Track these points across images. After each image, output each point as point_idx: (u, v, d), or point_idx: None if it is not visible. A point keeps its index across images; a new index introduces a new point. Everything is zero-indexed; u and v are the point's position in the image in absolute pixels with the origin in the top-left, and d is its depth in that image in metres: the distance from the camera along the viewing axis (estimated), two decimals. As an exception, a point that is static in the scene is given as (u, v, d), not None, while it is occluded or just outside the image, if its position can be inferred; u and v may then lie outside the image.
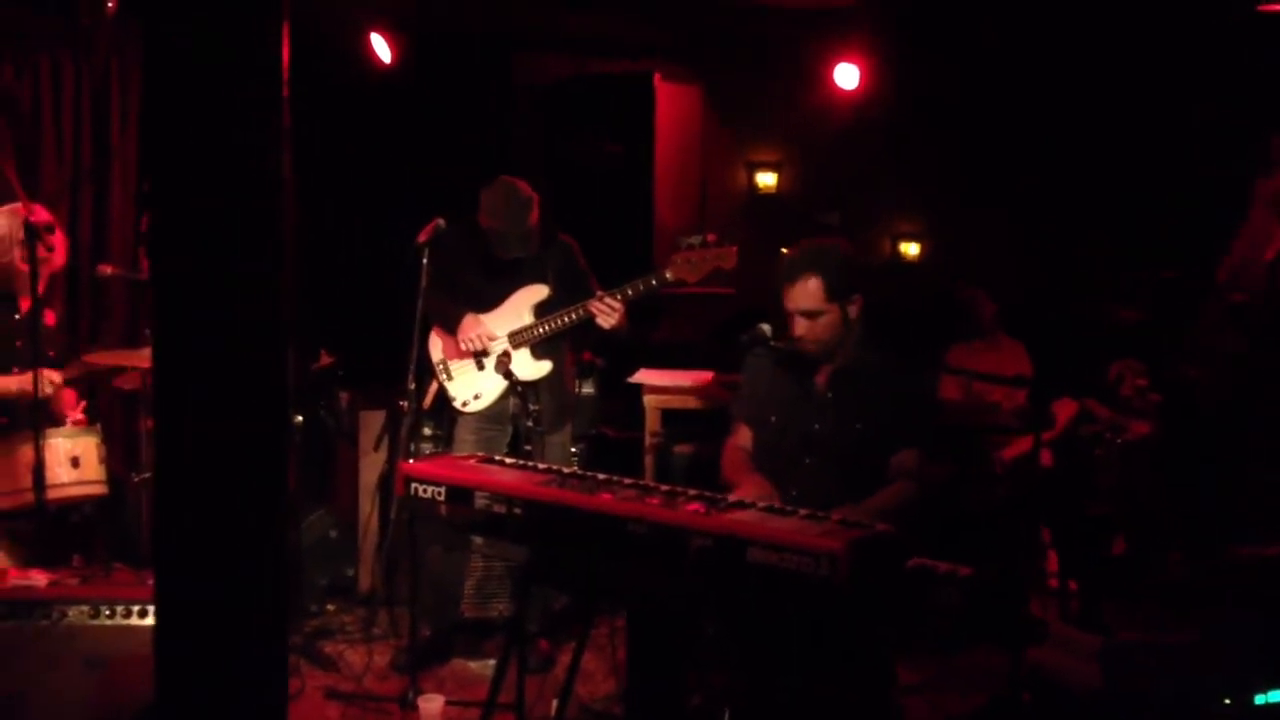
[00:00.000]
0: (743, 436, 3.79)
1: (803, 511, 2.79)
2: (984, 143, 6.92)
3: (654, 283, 4.42)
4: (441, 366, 4.80)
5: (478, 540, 3.23)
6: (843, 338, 3.56)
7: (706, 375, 5.59)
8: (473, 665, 4.79)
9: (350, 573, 5.64)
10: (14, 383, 4.52)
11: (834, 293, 3.50)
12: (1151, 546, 4.69)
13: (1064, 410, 5.54)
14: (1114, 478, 5.01)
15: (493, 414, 4.77)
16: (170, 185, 1.37)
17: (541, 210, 4.67)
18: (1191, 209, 6.56)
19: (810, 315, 3.52)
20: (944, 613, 2.60)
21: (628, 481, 3.10)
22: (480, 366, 4.70)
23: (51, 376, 4.54)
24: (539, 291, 4.70)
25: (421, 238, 4.45)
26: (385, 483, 5.59)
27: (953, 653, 4.64)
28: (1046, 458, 5.40)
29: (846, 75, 6.53)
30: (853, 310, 3.54)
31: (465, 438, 4.80)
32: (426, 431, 5.18)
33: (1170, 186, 6.56)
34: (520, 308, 4.71)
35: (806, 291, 3.50)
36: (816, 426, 3.55)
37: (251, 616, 1.43)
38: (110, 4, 5.24)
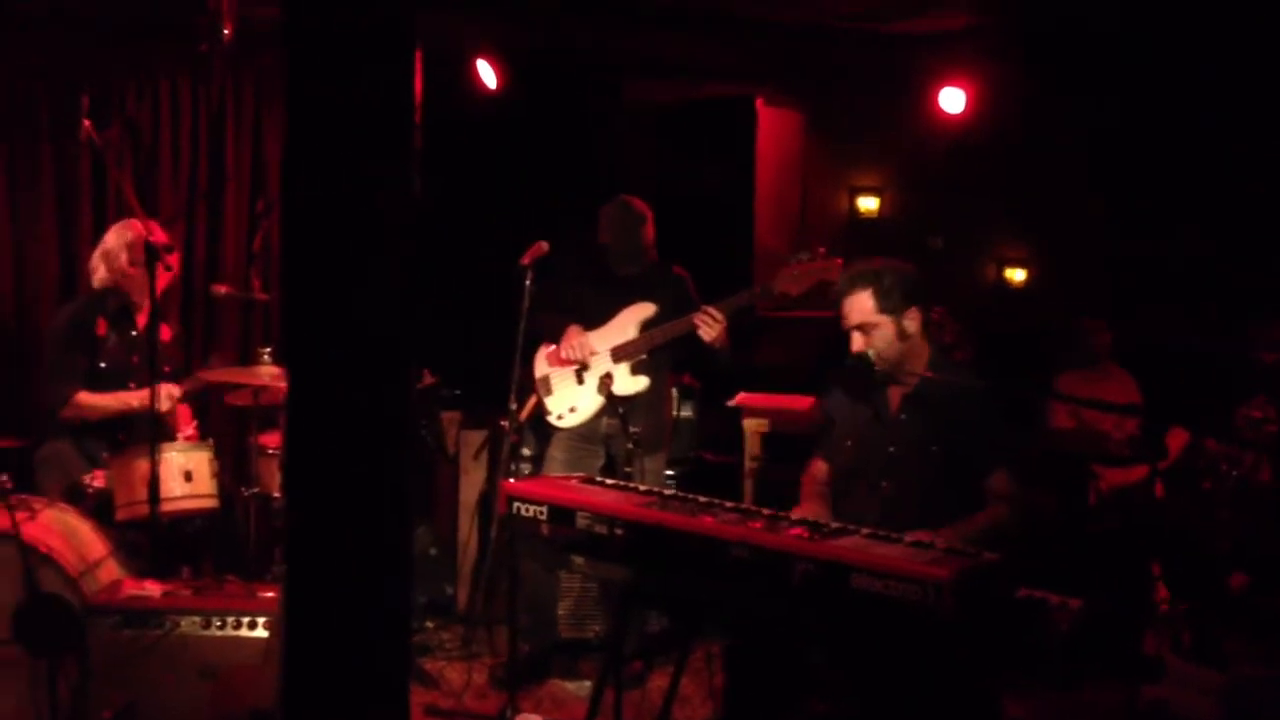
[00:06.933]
0: (817, 469, 3.80)
1: (908, 538, 2.76)
2: (1094, 167, 6.78)
3: (759, 294, 4.45)
4: (543, 382, 4.86)
5: (577, 561, 3.25)
6: (905, 353, 3.54)
7: (807, 399, 5.54)
8: (569, 686, 4.80)
9: (449, 591, 5.70)
10: (134, 398, 4.66)
11: (885, 305, 3.52)
12: (1271, 581, 4.54)
13: (1175, 441, 5.40)
14: (1229, 511, 4.86)
15: (585, 432, 4.80)
16: (307, 209, 1.39)
17: (656, 230, 4.82)
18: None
19: (863, 329, 3.56)
20: (1054, 645, 2.54)
21: (729, 505, 3.09)
22: (580, 381, 4.74)
23: (171, 391, 4.67)
24: (646, 309, 4.75)
25: (525, 260, 4.50)
26: (484, 502, 5.64)
27: (1062, 687, 4.53)
28: (1158, 488, 5.26)
29: (952, 99, 6.47)
30: (909, 324, 3.53)
31: (556, 455, 4.84)
32: (526, 451, 5.22)
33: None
34: (626, 324, 4.75)
35: (857, 305, 3.55)
36: (891, 449, 3.54)
37: (377, 629, 1.45)
38: (227, 31, 5.38)
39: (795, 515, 3.17)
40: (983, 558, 2.60)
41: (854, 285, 3.56)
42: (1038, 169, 6.91)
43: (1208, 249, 6.65)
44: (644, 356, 4.73)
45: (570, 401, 4.79)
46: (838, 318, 3.66)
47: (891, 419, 3.58)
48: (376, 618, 1.43)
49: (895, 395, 3.60)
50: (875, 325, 3.53)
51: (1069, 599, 2.61)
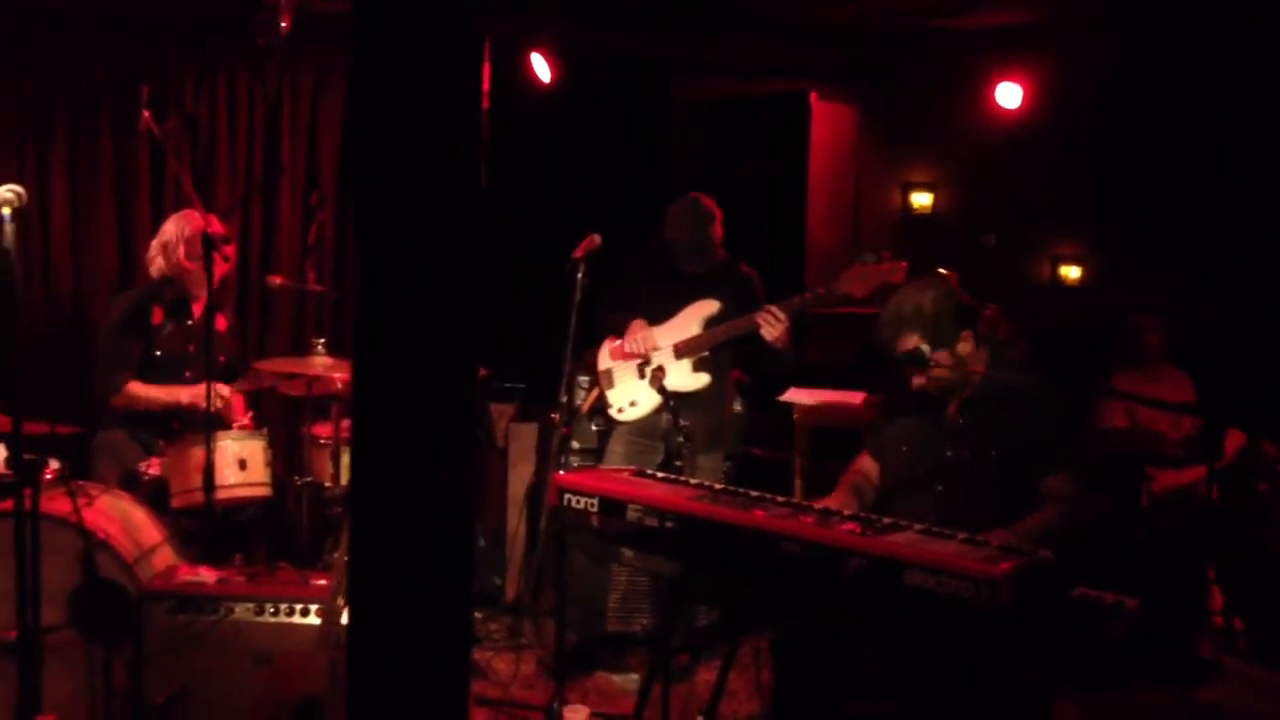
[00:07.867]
0: (861, 464, 3.77)
1: (962, 535, 2.74)
2: (1151, 165, 6.68)
3: (824, 295, 4.43)
4: (605, 375, 4.89)
5: (627, 553, 3.27)
6: (964, 372, 3.50)
7: (858, 396, 5.53)
8: (615, 678, 4.82)
9: (497, 582, 5.72)
10: (184, 394, 4.73)
11: (936, 342, 3.45)
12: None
13: (1231, 442, 5.32)
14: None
15: (645, 428, 4.81)
16: (376, 201, 1.40)
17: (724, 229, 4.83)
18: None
19: None
20: (1109, 645, 2.51)
21: (781, 499, 3.09)
22: (641, 375, 4.77)
23: (221, 390, 4.72)
24: (710, 306, 4.75)
25: (577, 253, 4.50)
26: (533, 494, 5.66)
27: (1117, 688, 4.47)
28: (1213, 491, 5.19)
29: (1009, 94, 6.41)
30: (963, 347, 3.47)
31: (616, 449, 4.86)
32: (576, 445, 5.23)
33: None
34: (689, 321, 4.76)
35: (907, 349, 3.48)
36: (949, 454, 3.49)
37: (439, 619, 1.46)
38: (284, 25, 5.44)
39: (819, 506, 3.14)
40: (1038, 556, 2.57)
41: (898, 331, 3.48)
42: (1095, 165, 6.83)
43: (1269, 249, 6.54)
44: (706, 353, 4.73)
45: (630, 395, 4.81)
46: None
47: (949, 422, 3.53)
48: (438, 608, 1.43)
49: (954, 400, 3.55)
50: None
51: (1125, 598, 2.58)
